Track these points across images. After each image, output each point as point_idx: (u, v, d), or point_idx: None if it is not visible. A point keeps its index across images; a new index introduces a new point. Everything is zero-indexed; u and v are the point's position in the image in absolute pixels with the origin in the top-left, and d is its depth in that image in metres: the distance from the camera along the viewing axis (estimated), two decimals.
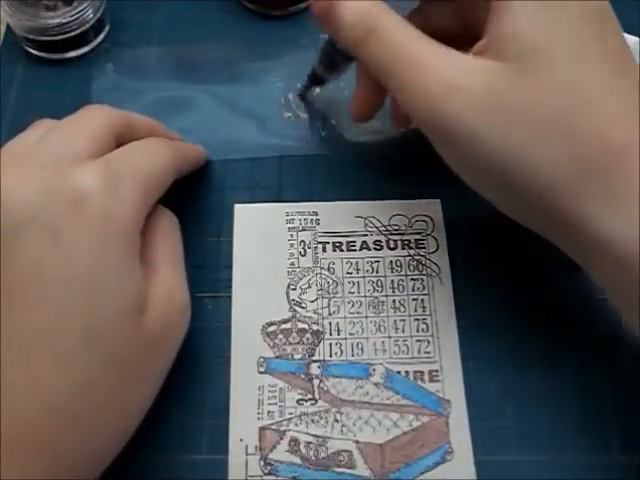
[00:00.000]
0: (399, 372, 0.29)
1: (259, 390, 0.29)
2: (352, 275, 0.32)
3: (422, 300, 0.31)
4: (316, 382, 0.29)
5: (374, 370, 0.29)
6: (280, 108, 0.37)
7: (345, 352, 0.30)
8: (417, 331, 0.30)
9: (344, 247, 0.32)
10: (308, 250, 0.32)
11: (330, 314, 0.31)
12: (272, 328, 0.30)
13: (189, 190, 0.34)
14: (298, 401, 0.29)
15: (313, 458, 0.28)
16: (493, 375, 0.30)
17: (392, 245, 0.32)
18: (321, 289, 0.31)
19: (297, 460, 0.28)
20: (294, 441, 0.28)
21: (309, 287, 0.31)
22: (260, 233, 0.33)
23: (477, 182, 0.26)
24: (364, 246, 0.32)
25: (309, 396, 0.29)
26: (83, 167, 0.24)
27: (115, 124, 0.27)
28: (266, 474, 0.27)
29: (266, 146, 0.36)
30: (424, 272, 0.32)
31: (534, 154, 0.23)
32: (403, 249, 0.32)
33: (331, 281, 0.31)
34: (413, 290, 0.31)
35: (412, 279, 0.31)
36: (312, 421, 0.28)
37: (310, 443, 0.28)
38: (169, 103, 0.37)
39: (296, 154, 0.36)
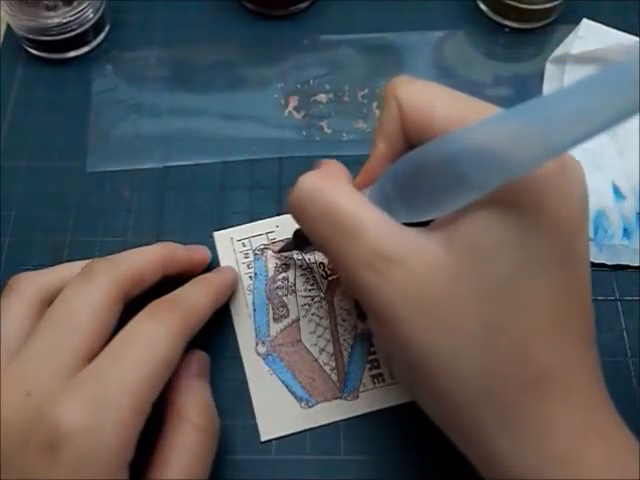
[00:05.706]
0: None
1: None
2: None
3: None
4: None
5: None
6: (280, 108, 0.37)
7: None
8: None
9: None
10: None
11: None
12: None
13: (189, 191, 0.34)
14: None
15: None
16: None
17: None
18: None
19: None
20: None
21: None
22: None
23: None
24: None
25: None
26: (67, 396, 0.22)
27: (121, 285, 0.25)
28: None
29: (266, 146, 0.36)
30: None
31: (448, 355, 0.21)
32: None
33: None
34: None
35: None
36: None
37: None
38: (169, 104, 0.37)
39: (296, 154, 0.36)
